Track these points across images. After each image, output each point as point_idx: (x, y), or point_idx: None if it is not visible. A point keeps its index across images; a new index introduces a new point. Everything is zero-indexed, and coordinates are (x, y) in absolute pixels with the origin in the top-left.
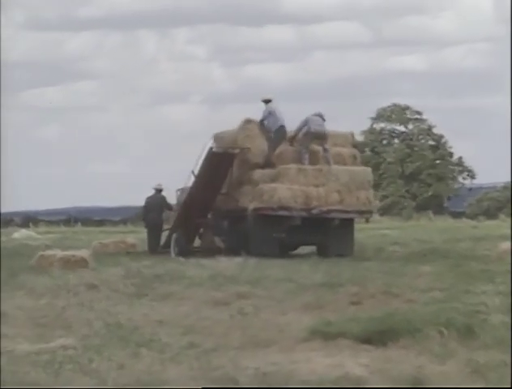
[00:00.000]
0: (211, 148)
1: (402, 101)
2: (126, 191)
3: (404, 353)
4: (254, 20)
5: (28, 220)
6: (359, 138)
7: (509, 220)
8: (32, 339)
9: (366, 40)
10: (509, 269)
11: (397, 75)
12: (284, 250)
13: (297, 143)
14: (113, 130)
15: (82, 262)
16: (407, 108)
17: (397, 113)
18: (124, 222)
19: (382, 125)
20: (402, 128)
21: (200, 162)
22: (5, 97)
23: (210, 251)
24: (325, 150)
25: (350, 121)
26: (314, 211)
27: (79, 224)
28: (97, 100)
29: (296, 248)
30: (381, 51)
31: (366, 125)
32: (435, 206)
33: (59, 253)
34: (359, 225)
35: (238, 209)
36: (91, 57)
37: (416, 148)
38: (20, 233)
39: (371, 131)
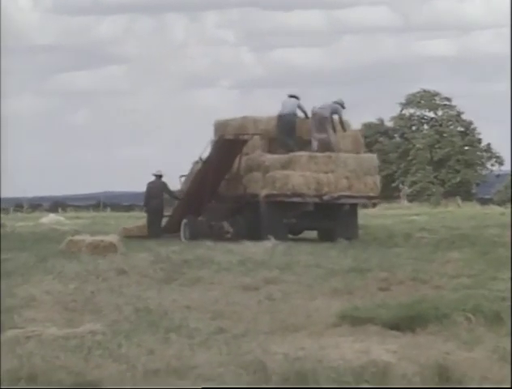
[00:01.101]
0: (222, 135)
1: (430, 86)
2: None
3: (432, 339)
4: (283, 4)
5: (57, 205)
6: (388, 123)
7: None
8: (61, 324)
9: (395, 24)
10: None
11: (425, 60)
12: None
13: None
14: (142, 115)
15: (111, 248)
16: (436, 94)
17: (426, 98)
18: None
19: (412, 110)
20: (431, 114)
21: (209, 148)
22: (34, 82)
23: (219, 236)
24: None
25: (379, 106)
26: (326, 197)
27: (109, 209)
28: (127, 85)
29: (300, 232)
30: (409, 36)
31: (395, 110)
32: (463, 192)
33: (88, 238)
34: (388, 212)
35: (247, 195)
36: (120, 41)
37: (444, 134)
38: (48, 218)
39: (400, 117)
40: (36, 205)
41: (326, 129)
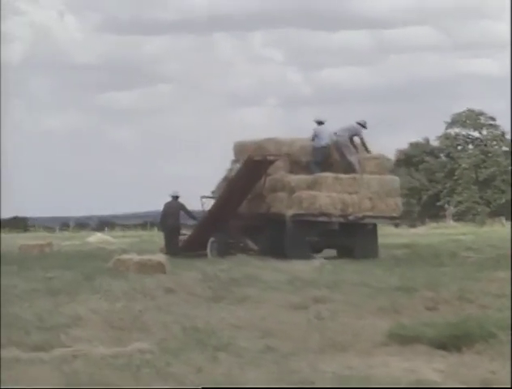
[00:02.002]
0: (251, 155)
1: (475, 105)
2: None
3: (478, 359)
4: (329, 24)
5: (103, 224)
6: (434, 143)
7: None
8: (108, 343)
9: (439, 43)
10: None
11: (470, 79)
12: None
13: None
14: (187, 134)
15: (158, 267)
16: (481, 113)
17: (471, 118)
18: None
19: (457, 130)
20: (476, 133)
21: (235, 168)
22: (80, 100)
23: (244, 253)
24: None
25: (424, 124)
26: (351, 217)
27: (156, 228)
28: (172, 103)
29: (321, 250)
30: (454, 54)
31: (440, 129)
32: (508, 212)
33: (135, 257)
34: (434, 231)
35: (270, 213)
36: (165, 60)
37: (489, 154)
38: (95, 237)
39: (446, 136)
40: (82, 224)
41: (345, 154)
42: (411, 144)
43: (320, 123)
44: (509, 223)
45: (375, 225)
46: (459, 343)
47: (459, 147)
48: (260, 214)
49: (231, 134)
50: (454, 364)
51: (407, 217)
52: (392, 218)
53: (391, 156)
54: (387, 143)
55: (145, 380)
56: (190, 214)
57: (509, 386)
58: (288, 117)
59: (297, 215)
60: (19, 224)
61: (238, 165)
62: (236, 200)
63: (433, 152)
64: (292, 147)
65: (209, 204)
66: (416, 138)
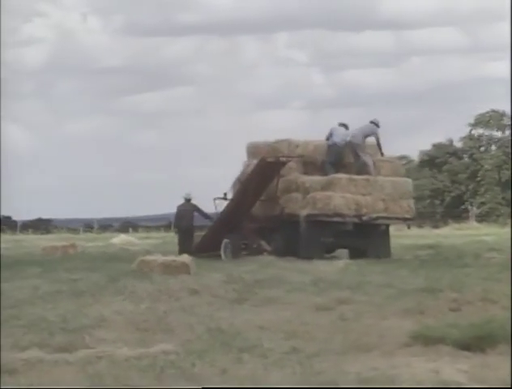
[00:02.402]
0: (264, 157)
1: (498, 107)
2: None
3: (502, 360)
4: (353, 26)
5: (127, 225)
6: (458, 144)
7: None
8: (133, 344)
9: (462, 45)
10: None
11: (492, 81)
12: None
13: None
14: (212, 136)
15: (183, 268)
16: (504, 114)
17: (495, 118)
18: None
19: (480, 131)
20: (499, 134)
21: (248, 170)
22: (104, 103)
23: (258, 254)
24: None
25: (447, 126)
26: (365, 218)
27: None
28: (197, 106)
29: (334, 251)
30: (477, 56)
31: (464, 131)
32: None
33: (160, 258)
34: (458, 232)
35: (284, 214)
36: (190, 62)
37: None
38: (119, 238)
39: (470, 137)
40: (106, 225)
41: (359, 155)
42: (435, 145)
43: (342, 125)
44: None
45: (387, 226)
46: (483, 344)
47: (482, 149)
48: (274, 215)
49: (255, 137)
50: (478, 365)
51: (431, 218)
52: (405, 219)
53: (415, 157)
54: (410, 144)
55: (169, 381)
56: (205, 214)
57: (509, 387)
58: (312, 120)
59: (311, 216)
60: (43, 225)
61: (251, 167)
62: (250, 202)
63: (456, 153)
64: (305, 148)
65: (222, 206)
66: (439, 139)
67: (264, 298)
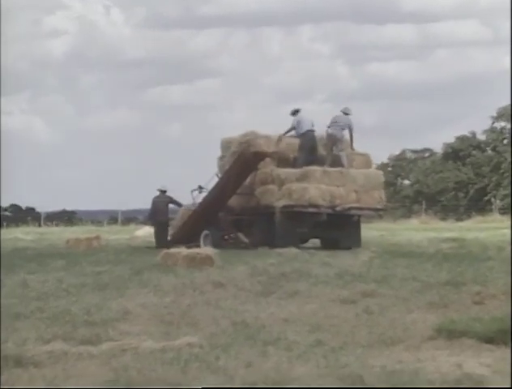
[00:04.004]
0: (243, 151)
1: None
2: None
3: None
4: (377, 18)
5: None
6: (481, 137)
7: None
8: (157, 337)
9: (485, 37)
10: None
11: None
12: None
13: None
14: (237, 128)
15: (207, 260)
16: None
17: None
18: None
19: (503, 123)
20: None
21: (227, 163)
22: (127, 96)
23: (236, 246)
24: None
25: (471, 119)
26: (338, 209)
27: None
28: (221, 98)
29: (307, 241)
30: (499, 49)
31: (487, 123)
32: None
33: (184, 250)
34: (481, 225)
35: (260, 206)
36: (214, 55)
37: None
38: (143, 231)
39: (492, 130)
40: (130, 218)
41: (337, 147)
42: (458, 138)
43: (295, 112)
44: None
45: (359, 217)
46: (506, 337)
47: (505, 141)
48: (250, 207)
49: (280, 129)
50: (501, 358)
51: (454, 211)
52: (377, 210)
53: (438, 150)
54: (434, 137)
55: (194, 374)
56: (181, 205)
57: (509, 387)
58: (336, 112)
59: (287, 207)
60: (67, 217)
61: (227, 161)
62: (227, 194)
63: (479, 146)
64: (279, 143)
65: (199, 198)
66: (463, 132)
67: (289, 291)
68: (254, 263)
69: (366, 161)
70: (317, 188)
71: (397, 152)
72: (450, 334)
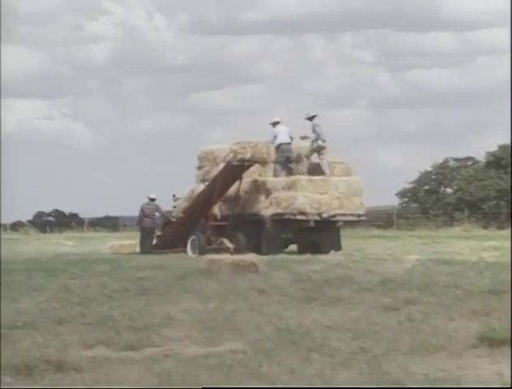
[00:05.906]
0: (230, 161)
1: None
2: None
3: None
4: (418, 26)
5: None
6: None
7: None
8: (200, 343)
9: None
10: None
11: None
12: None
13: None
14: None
15: (251, 267)
16: None
17: None
18: None
19: None
20: None
21: (208, 172)
22: (169, 101)
23: (221, 251)
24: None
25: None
26: (324, 215)
27: None
28: (263, 104)
29: (287, 246)
30: None
31: None
32: None
33: (228, 257)
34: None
35: (246, 214)
36: (256, 60)
37: None
38: None
39: None
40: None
41: (320, 157)
42: (500, 147)
43: (275, 124)
44: None
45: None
46: None
47: None
48: (235, 214)
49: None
50: None
51: (496, 219)
52: (359, 215)
53: (481, 158)
54: (476, 145)
55: (237, 380)
56: (165, 214)
57: (509, 387)
58: (378, 119)
59: (277, 215)
60: (110, 223)
61: (206, 170)
62: (212, 201)
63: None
64: (262, 151)
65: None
66: (505, 139)
67: (332, 298)
68: (298, 270)
69: (345, 169)
70: (304, 196)
71: (440, 160)
72: (491, 342)
